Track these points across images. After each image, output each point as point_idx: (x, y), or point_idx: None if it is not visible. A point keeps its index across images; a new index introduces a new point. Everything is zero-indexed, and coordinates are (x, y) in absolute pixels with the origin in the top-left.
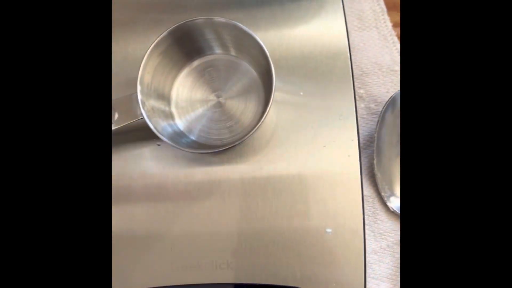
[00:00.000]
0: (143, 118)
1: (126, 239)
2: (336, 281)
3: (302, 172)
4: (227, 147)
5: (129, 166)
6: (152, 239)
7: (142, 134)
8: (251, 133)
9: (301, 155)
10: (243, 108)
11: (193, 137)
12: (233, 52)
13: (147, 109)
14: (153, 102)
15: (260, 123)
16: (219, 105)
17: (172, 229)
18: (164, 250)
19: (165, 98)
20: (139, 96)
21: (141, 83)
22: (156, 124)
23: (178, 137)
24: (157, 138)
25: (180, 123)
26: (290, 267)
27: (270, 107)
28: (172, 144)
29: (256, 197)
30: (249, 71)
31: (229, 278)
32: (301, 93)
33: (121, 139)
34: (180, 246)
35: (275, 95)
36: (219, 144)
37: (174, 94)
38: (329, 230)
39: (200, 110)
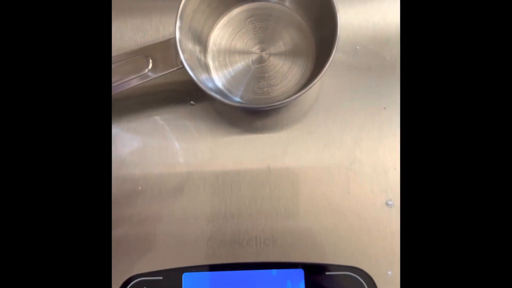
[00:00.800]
0: (183, 67)
1: (153, 212)
2: (399, 260)
3: (357, 137)
4: (282, 102)
5: (160, 129)
6: (186, 211)
7: (170, 89)
8: (311, 85)
9: (357, 119)
10: (289, 66)
11: (235, 97)
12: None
13: (186, 58)
14: (190, 49)
15: (322, 73)
16: (262, 60)
17: (209, 200)
18: (199, 225)
19: (201, 45)
20: (178, 41)
21: (180, 29)
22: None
23: (219, 94)
24: (190, 96)
25: (217, 78)
26: (345, 244)
27: (330, 61)
28: (221, 98)
29: (306, 165)
30: (300, 24)
31: (274, 256)
32: (358, 47)
33: (144, 97)
34: (218, 221)
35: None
36: (266, 102)
37: (211, 43)
38: (390, 202)
39: (239, 65)
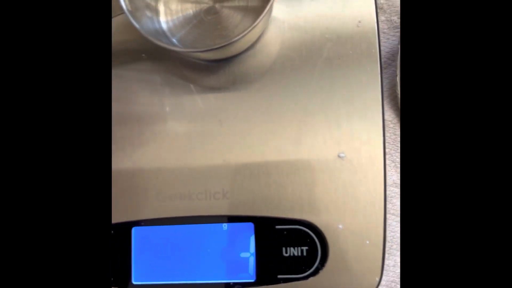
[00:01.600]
0: (123, 13)
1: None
2: (350, 214)
3: (311, 91)
4: (219, 46)
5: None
6: (135, 166)
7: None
8: (248, 31)
9: (312, 71)
10: (241, 18)
11: (175, 40)
12: None
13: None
14: None
15: (259, 20)
16: (214, 11)
17: (159, 158)
18: (149, 178)
19: None
20: None
21: None
22: (139, 21)
23: (159, 37)
24: (141, 46)
25: (164, 22)
26: (296, 197)
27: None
28: (162, 44)
29: (256, 120)
30: None
31: (224, 209)
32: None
33: None
34: (167, 176)
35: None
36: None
37: None
38: (342, 154)
39: (190, 12)
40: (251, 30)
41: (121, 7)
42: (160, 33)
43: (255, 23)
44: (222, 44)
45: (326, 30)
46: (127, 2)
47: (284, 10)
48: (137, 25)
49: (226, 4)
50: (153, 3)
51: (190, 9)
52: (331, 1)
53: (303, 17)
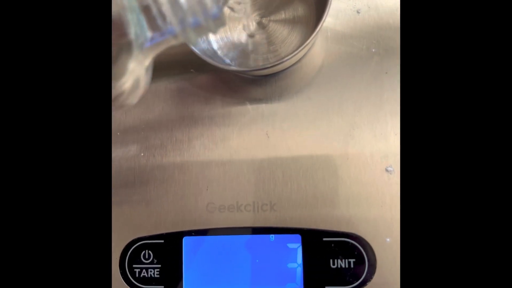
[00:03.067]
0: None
1: (155, 178)
2: (398, 228)
3: (357, 102)
4: (270, 66)
5: (162, 96)
6: (186, 178)
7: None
8: (299, 49)
9: (357, 85)
10: (288, 32)
11: (226, 58)
12: None
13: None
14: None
15: (313, 35)
16: (261, 26)
17: (208, 167)
18: (198, 189)
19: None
20: None
21: None
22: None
23: (211, 54)
24: (191, 63)
25: (214, 41)
26: (343, 210)
27: (321, 26)
28: (214, 62)
29: (303, 133)
30: None
31: (272, 221)
32: (359, 12)
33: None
34: (216, 187)
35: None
36: (263, 63)
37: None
38: (390, 168)
39: (237, 30)
40: (302, 48)
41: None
42: (211, 50)
43: (307, 42)
44: (273, 64)
45: (373, 44)
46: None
47: (331, 22)
48: (197, 52)
49: (272, 18)
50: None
51: (237, 25)
52: (377, 15)
53: (350, 30)
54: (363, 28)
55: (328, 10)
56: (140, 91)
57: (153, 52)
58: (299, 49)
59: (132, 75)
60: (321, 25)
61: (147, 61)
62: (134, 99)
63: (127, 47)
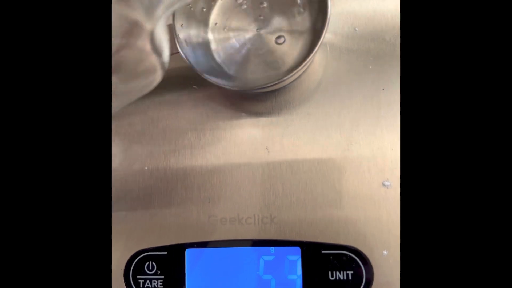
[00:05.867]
0: (178, 52)
1: (159, 191)
2: (395, 241)
3: (355, 118)
4: (276, 82)
5: (165, 111)
6: (188, 190)
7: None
8: (302, 65)
9: (355, 101)
10: (288, 47)
11: (232, 76)
12: None
13: (182, 39)
14: (189, 29)
15: (313, 53)
16: (259, 39)
17: (210, 180)
18: (201, 202)
19: (201, 22)
20: (176, 24)
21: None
22: (193, 56)
23: (217, 73)
24: (193, 81)
25: (217, 55)
26: (342, 224)
27: (321, 41)
28: (216, 80)
29: (302, 148)
30: (300, 5)
31: (272, 234)
32: (356, 29)
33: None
34: (218, 200)
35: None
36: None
37: (212, 19)
38: (387, 182)
39: (235, 43)
40: (304, 66)
41: (179, 48)
42: (215, 67)
43: (308, 59)
44: (274, 83)
45: (371, 61)
46: (183, 42)
47: (330, 38)
48: (197, 69)
49: (269, 30)
50: (202, 34)
51: (233, 38)
52: (374, 32)
53: (348, 46)
54: (360, 45)
55: (327, 26)
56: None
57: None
58: (302, 65)
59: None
60: (322, 40)
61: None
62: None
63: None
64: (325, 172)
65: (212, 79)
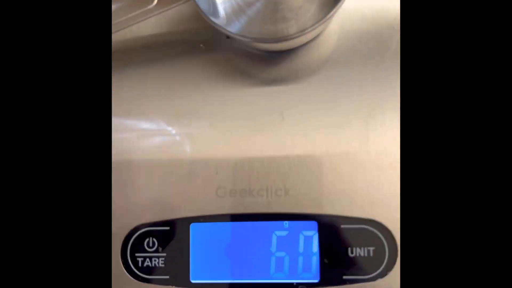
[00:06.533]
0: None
1: (162, 160)
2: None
3: (378, 84)
4: (294, 35)
5: (167, 76)
6: (194, 160)
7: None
8: (323, 20)
9: (376, 67)
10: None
11: (242, 30)
12: None
13: None
14: None
15: (336, 9)
16: None
17: (218, 152)
18: (208, 172)
19: None
20: None
21: None
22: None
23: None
24: (200, 38)
25: (222, 6)
26: (364, 195)
27: None
28: (227, 30)
29: (320, 113)
30: None
31: (286, 207)
32: None
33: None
34: (227, 171)
35: None
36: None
37: None
38: None
39: None
40: (326, 20)
41: None
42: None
43: (331, 13)
44: (292, 37)
45: (395, 21)
46: None
47: None
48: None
49: None
50: None
51: None
52: None
53: (370, 6)
54: (384, 5)
55: None
56: None
57: None
58: (324, 20)
59: None
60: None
61: None
62: None
63: None
64: (346, 140)
65: (225, 30)
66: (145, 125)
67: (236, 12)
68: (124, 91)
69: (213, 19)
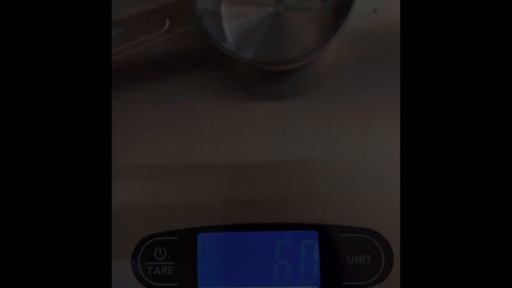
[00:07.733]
0: (199, 25)
1: (171, 172)
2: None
3: (375, 101)
4: (296, 59)
5: (174, 91)
6: (201, 172)
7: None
8: (324, 45)
9: (374, 83)
10: (306, 22)
11: (250, 54)
12: None
13: (200, 10)
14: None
15: (338, 33)
16: (277, 14)
17: (223, 162)
18: (213, 184)
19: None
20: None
21: None
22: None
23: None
24: (206, 57)
25: (229, 32)
26: (362, 206)
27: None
28: (233, 53)
29: (320, 129)
30: None
31: (288, 217)
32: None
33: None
34: (232, 183)
35: None
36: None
37: None
38: None
39: (253, 17)
40: (328, 45)
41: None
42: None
43: (333, 38)
44: (293, 60)
45: (390, 43)
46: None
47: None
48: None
49: (288, 3)
50: (215, 8)
51: (252, 13)
52: (395, 13)
53: (367, 27)
54: (380, 27)
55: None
56: None
57: None
58: (325, 44)
59: None
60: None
61: None
62: None
63: None
64: (345, 155)
65: (234, 55)
66: (155, 138)
67: (243, 37)
68: (135, 107)
69: (222, 44)
